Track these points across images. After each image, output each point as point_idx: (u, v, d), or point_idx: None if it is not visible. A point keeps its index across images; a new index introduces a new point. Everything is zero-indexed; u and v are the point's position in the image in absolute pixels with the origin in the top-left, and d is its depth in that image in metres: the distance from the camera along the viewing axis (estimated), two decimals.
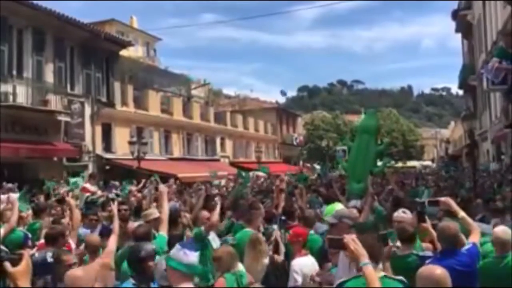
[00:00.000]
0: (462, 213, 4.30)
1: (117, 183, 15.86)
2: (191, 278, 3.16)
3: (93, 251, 4.62)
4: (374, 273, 2.92)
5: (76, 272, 3.81)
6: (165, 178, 19.42)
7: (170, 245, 5.57)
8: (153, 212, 5.76)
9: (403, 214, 5.05)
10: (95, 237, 5.00)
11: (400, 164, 56.14)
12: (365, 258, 2.91)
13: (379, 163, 10.68)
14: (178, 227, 6.15)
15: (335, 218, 4.24)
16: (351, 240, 2.98)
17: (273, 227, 5.89)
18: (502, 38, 14.93)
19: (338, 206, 5.47)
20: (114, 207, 5.35)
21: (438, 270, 2.86)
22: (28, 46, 17.37)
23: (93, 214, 6.93)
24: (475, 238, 4.10)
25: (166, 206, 5.07)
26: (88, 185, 10.46)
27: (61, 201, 8.27)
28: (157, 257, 4.37)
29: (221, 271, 4.19)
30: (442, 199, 4.55)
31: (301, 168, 31.50)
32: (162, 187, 5.70)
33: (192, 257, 3.11)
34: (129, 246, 3.89)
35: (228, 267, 4.20)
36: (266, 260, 4.69)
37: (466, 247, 3.98)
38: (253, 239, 4.73)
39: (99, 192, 12.11)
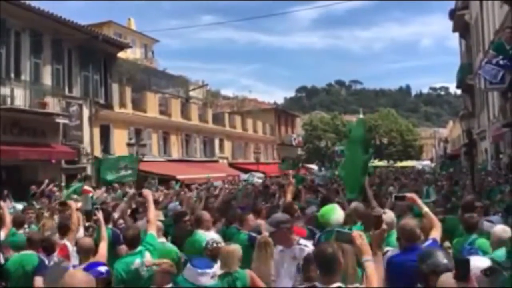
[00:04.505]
0: (425, 209, 4.38)
1: (116, 185, 15.92)
2: None
3: (86, 254, 4.63)
4: (374, 270, 3.01)
5: (77, 273, 3.79)
6: (165, 179, 19.57)
7: (176, 245, 5.66)
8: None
9: (383, 215, 5.07)
10: (87, 239, 5.01)
11: (398, 164, 56.24)
12: (367, 255, 3.02)
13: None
14: (182, 227, 6.22)
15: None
16: (358, 235, 3.07)
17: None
18: (502, 34, 14.93)
19: (334, 208, 5.46)
20: (99, 214, 5.36)
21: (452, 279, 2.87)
22: (26, 48, 17.32)
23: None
24: (435, 234, 4.16)
25: (153, 208, 5.11)
26: (86, 187, 10.51)
27: (64, 203, 8.26)
28: (147, 253, 4.49)
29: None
30: (408, 194, 4.59)
31: (298, 170, 31.45)
32: (146, 191, 5.81)
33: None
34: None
35: (225, 266, 4.27)
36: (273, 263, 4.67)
37: (426, 243, 4.05)
38: (262, 242, 4.72)
39: (99, 192, 12.13)
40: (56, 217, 8.08)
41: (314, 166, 40.14)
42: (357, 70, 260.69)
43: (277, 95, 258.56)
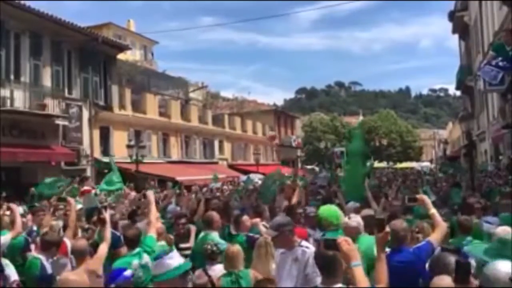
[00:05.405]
0: (433, 210, 4.37)
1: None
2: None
3: (80, 256, 4.58)
4: (364, 275, 2.98)
5: (70, 275, 3.80)
6: (164, 181, 19.54)
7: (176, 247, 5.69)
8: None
9: (347, 220, 5.09)
10: (82, 241, 4.96)
11: (398, 165, 56.24)
12: (356, 260, 2.97)
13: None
14: (178, 230, 6.26)
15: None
16: (345, 241, 3.03)
17: None
18: (502, 35, 14.93)
19: (333, 208, 5.46)
20: (106, 214, 5.30)
21: (446, 280, 2.84)
22: (26, 50, 17.32)
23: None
24: (435, 235, 4.15)
25: (154, 210, 5.12)
26: (86, 187, 10.44)
27: (63, 199, 8.22)
28: (145, 255, 4.48)
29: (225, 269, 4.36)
30: (419, 196, 4.61)
31: (296, 170, 31.44)
32: (149, 192, 5.80)
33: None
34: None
35: (230, 266, 4.33)
36: (273, 264, 4.67)
37: (418, 244, 4.06)
38: (263, 241, 4.73)
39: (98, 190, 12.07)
40: (55, 212, 8.07)
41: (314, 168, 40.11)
42: (356, 71, 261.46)
43: (277, 97, 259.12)
